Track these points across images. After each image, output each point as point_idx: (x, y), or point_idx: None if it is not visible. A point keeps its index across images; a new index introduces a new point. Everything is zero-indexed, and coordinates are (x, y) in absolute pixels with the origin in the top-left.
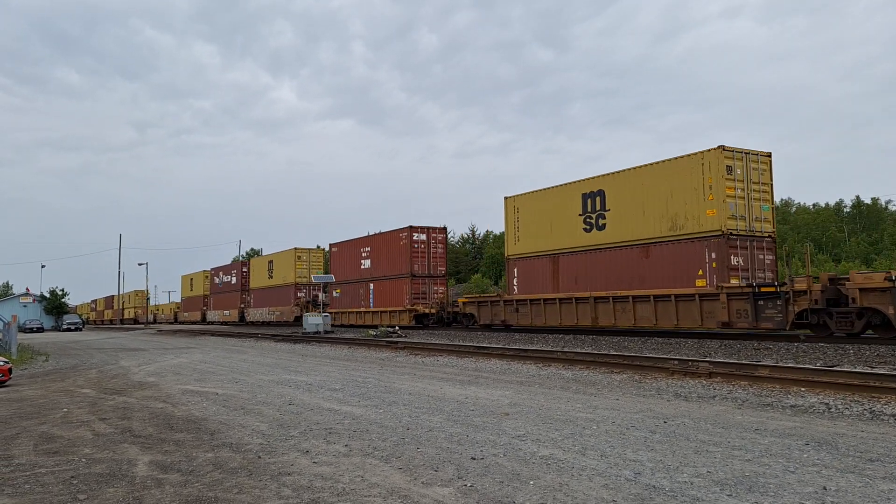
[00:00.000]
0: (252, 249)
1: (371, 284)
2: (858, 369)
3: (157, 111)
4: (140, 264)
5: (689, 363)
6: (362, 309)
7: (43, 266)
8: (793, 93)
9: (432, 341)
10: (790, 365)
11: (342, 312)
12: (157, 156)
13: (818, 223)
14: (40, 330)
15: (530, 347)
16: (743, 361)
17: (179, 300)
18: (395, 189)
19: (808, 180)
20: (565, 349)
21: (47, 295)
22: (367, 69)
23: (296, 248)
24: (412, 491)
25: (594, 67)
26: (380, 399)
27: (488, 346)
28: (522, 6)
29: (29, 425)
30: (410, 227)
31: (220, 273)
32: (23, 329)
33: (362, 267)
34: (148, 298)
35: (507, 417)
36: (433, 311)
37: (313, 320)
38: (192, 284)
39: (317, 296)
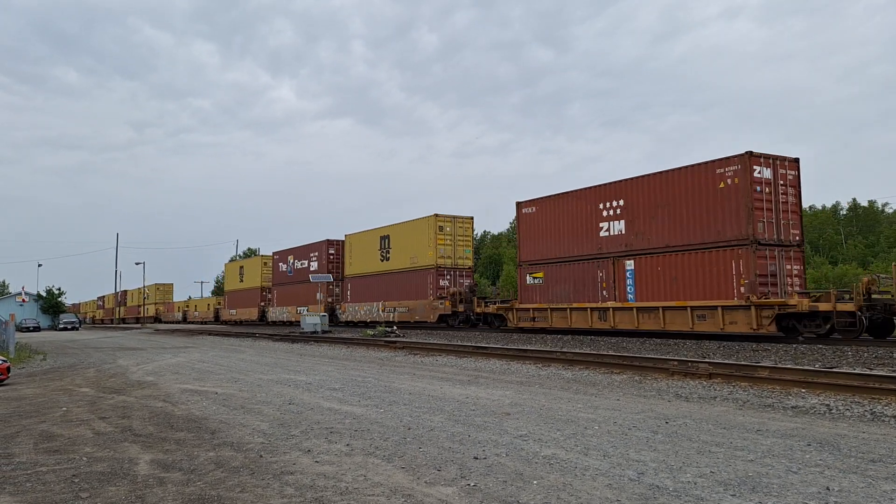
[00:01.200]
0: (249, 249)
1: (628, 262)
2: (858, 371)
3: (156, 110)
4: (137, 263)
5: (689, 364)
6: (608, 304)
7: (40, 265)
8: (791, 94)
9: (431, 341)
10: (789, 366)
11: (549, 310)
12: (155, 155)
13: (815, 225)
14: (37, 329)
15: (529, 347)
16: (742, 362)
17: (214, 294)
18: (394, 189)
19: (806, 182)
20: (564, 349)
21: (44, 294)
22: (366, 68)
23: (437, 215)
24: (415, 490)
25: (593, 68)
26: (380, 399)
27: (487, 346)
28: (522, 6)
29: (29, 424)
30: (749, 152)
31: (291, 257)
32: (19, 328)
33: (603, 233)
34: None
35: (508, 417)
36: (852, 306)
37: (311, 320)
38: (241, 274)
39: (472, 285)
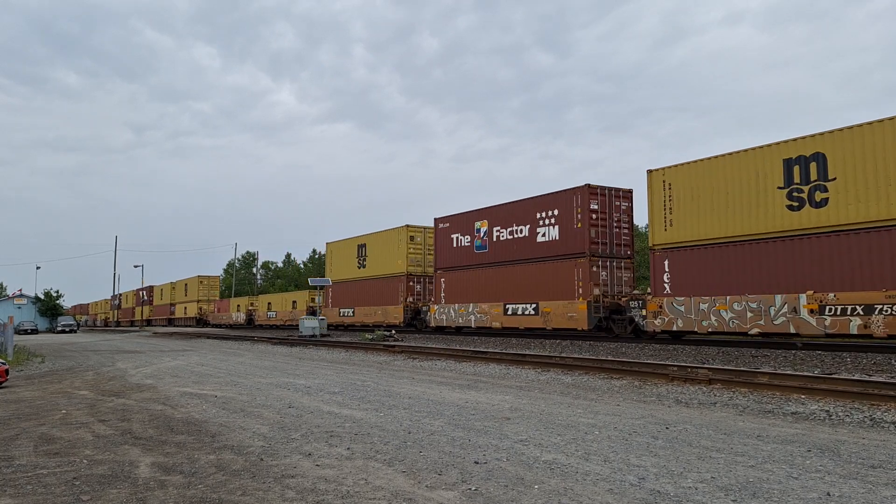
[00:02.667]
0: (248, 252)
1: None
2: (857, 377)
3: (156, 112)
4: (136, 266)
5: (689, 369)
6: None
7: (38, 267)
8: (791, 100)
9: (430, 345)
10: (789, 372)
11: None
12: (154, 157)
13: None
14: (34, 331)
15: (528, 352)
16: (742, 368)
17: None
18: (393, 192)
19: None
20: (563, 354)
21: (42, 297)
22: (367, 72)
23: None
24: (417, 494)
25: (594, 72)
26: (380, 402)
27: (486, 350)
28: (524, 10)
29: (28, 426)
30: None
31: (482, 224)
32: (17, 331)
33: None
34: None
35: (508, 422)
36: None
37: (309, 323)
38: (363, 256)
39: None
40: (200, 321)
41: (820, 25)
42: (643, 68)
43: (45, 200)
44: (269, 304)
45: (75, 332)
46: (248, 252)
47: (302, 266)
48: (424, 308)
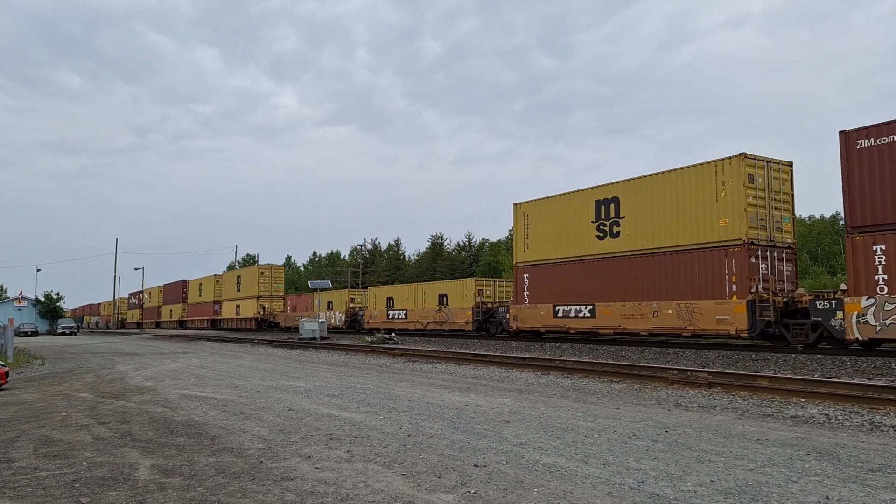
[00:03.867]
0: (248, 254)
1: None
2: (857, 380)
3: (157, 115)
4: (136, 268)
5: (689, 373)
6: None
7: (38, 270)
8: (793, 103)
9: (430, 348)
10: (789, 376)
11: None
12: (156, 160)
13: (814, 235)
14: (34, 334)
15: (528, 356)
16: (742, 372)
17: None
18: (394, 195)
19: (805, 191)
20: (563, 357)
21: (42, 299)
22: (369, 75)
23: None
24: (416, 497)
25: (596, 75)
26: (379, 405)
27: (486, 353)
28: (527, 13)
29: (28, 428)
30: None
31: None
32: (17, 333)
33: None
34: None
35: (508, 425)
36: None
37: (309, 326)
38: (610, 218)
39: None
40: (263, 323)
41: (822, 29)
42: (645, 71)
43: (46, 202)
44: (391, 299)
45: (75, 334)
46: (248, 254)
47: (302, 268)
48: (824, 305)
